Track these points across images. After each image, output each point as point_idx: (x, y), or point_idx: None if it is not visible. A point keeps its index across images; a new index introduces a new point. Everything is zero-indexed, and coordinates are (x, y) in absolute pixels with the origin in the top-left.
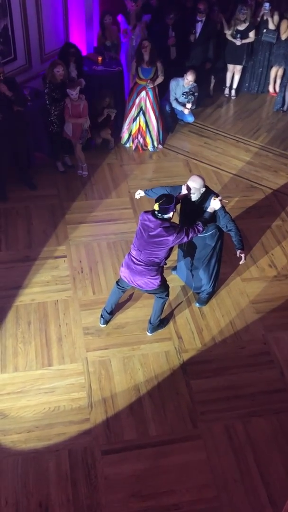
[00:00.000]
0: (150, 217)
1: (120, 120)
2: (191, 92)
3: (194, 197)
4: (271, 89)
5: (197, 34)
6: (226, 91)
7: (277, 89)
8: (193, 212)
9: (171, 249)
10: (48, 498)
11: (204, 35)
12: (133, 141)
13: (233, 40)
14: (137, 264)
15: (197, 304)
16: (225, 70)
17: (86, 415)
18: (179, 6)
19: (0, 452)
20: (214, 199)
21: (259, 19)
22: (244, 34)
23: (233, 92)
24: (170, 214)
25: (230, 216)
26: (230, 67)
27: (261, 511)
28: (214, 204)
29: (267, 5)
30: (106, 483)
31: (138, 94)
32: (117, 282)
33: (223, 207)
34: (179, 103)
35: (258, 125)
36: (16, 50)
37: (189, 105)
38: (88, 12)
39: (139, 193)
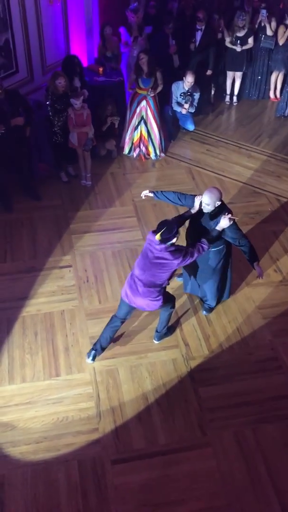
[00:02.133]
0: (156, 240)
1: (122, 130)
2: (188, 93)
3: (208, 209)
4: (271, 95)
5: (197, 43)
6: (227, 98)
7: (278, 94)
8: (202, 226)
9: (174, 271)
10: (58, 509)
11: (204, 43)
12: (135, 150)
13: (233, 47)
14: (139, 285)
15: (204, 311)
16: (225, 77)
17: (94, 425)
18: (178, 15)
19: (9, 463)
20: (224, 217)
21: (256, 25)
22: (243, 41)
23: (234, 98)
24: (174, 240)
25: (242, 232)
26: (230, 74)
27: None
28: (223, 223)
29: (264, 12)
30: (116, 493)
31: (138, 103)
32: (115, 315)
33: (235, 223)
34: (179, 104)
35: (260, 131)
36: (17, 63)
37: (186, 105)
38: (88, 24)
39: (146, 193)
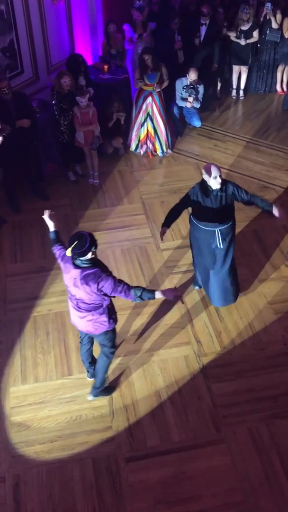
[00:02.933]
0: (70, 266)
1: (128, 127)
2: (191, 86)
3: (219, 181)
4: (278, 88)
5: (202, 37)
6: (233, 93)
7: (285, 87)
8: (209, 208)
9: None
10: (74, 508)
11: (209, 38)
12: (142, 147)
13: (237, 41)
14: (79, 310)
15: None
16: (231, 72)
17: (108, 423)
18: (183, 10)
19: (24, 463)
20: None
21: (262, 18)
22: (248, 34)
23: (241, 92)
24: (89, 255)
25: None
26: (236, 68)
27: None
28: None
29: (268, 4)
30: (132, 491)
31: (144, 99)
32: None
33: (235, 184)
34: (183, 99)
35: (267, 124)
36: (22, 63)
37: (190, 98)
38: (92, 22)
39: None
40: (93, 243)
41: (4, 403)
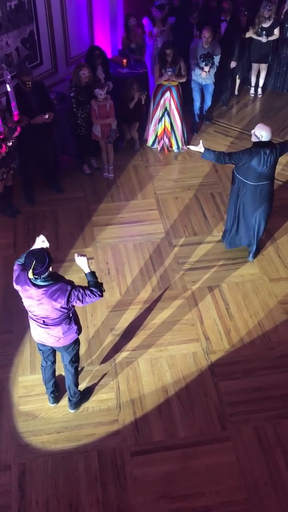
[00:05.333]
0: (28, 287)
1: (145, 121)
2: (209, 55)
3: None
4: None
5: (222, 34)
6: (252, 90)
7: None
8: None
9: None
10: (78, 499)
11: (229, 34)
12: (159, 143)
13: (258, 38)
14: (47, 327)
15: (251, 258)
16: (250, 69)
17: (114, 416)
18: (203, 6)
19: (30, 452)
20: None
21: (282, 16)
22: (269, 31)
23: (259, 90)
24: (50, 270)
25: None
26: (255, 66)
27: None
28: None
29: None
30: (136, 484)
31: (162, 95)
32: (42, 356)
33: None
34: (198, 67)
35: (285, 123)
36: (42, 54)
37: (207, 68)
38: (113, 15)
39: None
40: (50, 257)
41: (13, 392)
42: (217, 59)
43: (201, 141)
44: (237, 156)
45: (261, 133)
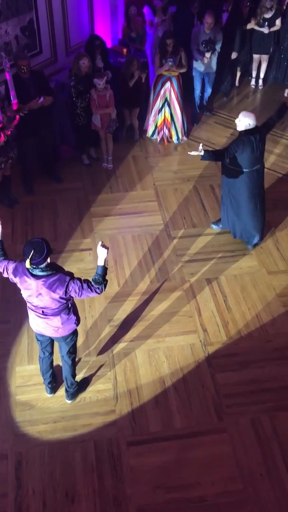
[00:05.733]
0: (27, 278)
1: (146, 110)
2: (211, 40)
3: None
4: None
5: (223, 24)
6: (252, 82)
7: None
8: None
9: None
10: (74, 488)
11: (230, 25)
12: (158, 133)
13: (260, 29)
14: (46, 318)
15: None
16: (251, 60)
17: (111, 407)
18: None
19: (27, 442)
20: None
21: (284, 6)
22: (271, 22)
23: (260, 81)
24: (48, 261)
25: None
26: (256, 57)
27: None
28: None
29: None
30: (132, 475)
31: (162, 85)
32: (40, 347)
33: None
34: (200, 53)
35: (286, 115)
36: (41, 43)
37: (208, 54)
38: (113, 4)
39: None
40: (49, 248)
41: (10, 382)
42: (218, 45)
43: (200, 145)
44: (233, 149)
45: (249, 121)
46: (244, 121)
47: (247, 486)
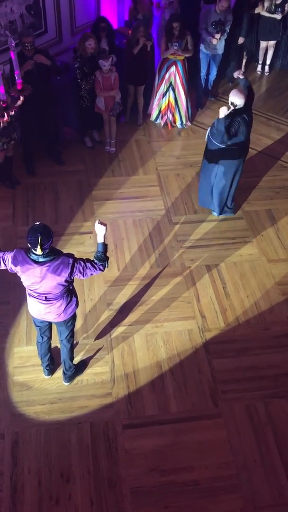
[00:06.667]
0: (29, 265)
1: (150, 96)
2: (221, 22)
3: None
4: None
5: (231, 8)
6: (259, 68)
7: None
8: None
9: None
10: (69, 469)
11: (238, 9)
12: (162, 118)
13: (273, 16)
14: (48, 302)
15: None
16: (257, 46)
17: (108, 390)
18: None
19: (24, 422)
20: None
21: None
22: (282, 8)
23: (266, 68)
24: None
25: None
26: (263, 43)
27: (280, 491)
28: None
29: None
30: (127, 457)
31: (167, 69)
32: (39, 332)
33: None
34: (208, 33)
35: None
36: (47, 23)
37: (218, 35)
38: None
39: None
40: (52, 231)
41: (8, 362)
42: (228, 26)
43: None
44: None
45: (240, 101)
46: (239, 102)
47: (241, 471)
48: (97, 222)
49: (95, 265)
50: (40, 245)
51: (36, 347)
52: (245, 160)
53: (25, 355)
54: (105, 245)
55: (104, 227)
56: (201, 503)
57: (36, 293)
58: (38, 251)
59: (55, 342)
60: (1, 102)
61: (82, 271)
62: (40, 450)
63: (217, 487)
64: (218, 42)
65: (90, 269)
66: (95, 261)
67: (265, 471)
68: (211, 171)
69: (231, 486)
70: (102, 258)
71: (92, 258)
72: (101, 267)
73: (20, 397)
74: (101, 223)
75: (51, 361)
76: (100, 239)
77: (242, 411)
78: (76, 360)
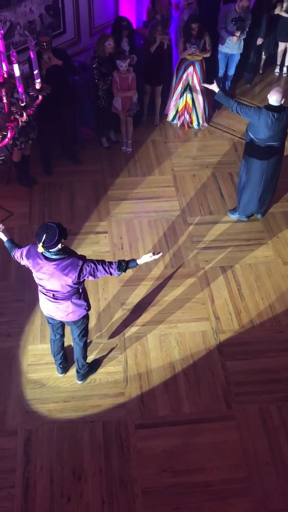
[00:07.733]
0: (40, 261)
1: (166, 96)
2: (241, 18)
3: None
4: None
5: (250, 8)
6: (277, 69)
7: None
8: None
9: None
10: (81, 467)
11: (257, 10)
12: (179, 118)
13: None
14: (56, 301)
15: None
16: (276, 47)
17: (121, 389)
18: None
19: (37, 419)
20: None
21: None
22: None
23: (284, 69)
24: (59, 246)
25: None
26: (282, 44)
27: None
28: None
29: None
30: (138, 457)
31: (185, 69)
32: (52, 330)
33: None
34: (228, 32)
35: None
36: (65, 23)
37: (238, 33)
38: None
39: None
40: (63, 233)
41: (22, 360)
42: (248, 23)
43: (214, 81)
44: (244, 109)
45: (272, 97)
46: (269, 95)
47: (252, 474)
48: (154, 253)
49: (106, 268)
50: (42, 243)
51: (49, 344)
52: None
53: (39, 353)
54: (136, 266)
55: (153, 258)
56: (212, 505)
57: (45, 289)
58: (39, 248)
59: (69, 340)
60: (20, 101)
61: (92, 273)
62: (52, 448)
63: (229, 490)
64: (237, 42)
65: (101, 272)
66: (112, 265)
67: (277, 474)
68: (257, 171)
69: (243, 489)
70: (123, 269)
71: (105, 259)
72: (113, 272)
73: (33, 394)
74: (156, 253)
75: (64, 359)
76: (139, 262)
77: (255, 414)
78: (90, 359)
